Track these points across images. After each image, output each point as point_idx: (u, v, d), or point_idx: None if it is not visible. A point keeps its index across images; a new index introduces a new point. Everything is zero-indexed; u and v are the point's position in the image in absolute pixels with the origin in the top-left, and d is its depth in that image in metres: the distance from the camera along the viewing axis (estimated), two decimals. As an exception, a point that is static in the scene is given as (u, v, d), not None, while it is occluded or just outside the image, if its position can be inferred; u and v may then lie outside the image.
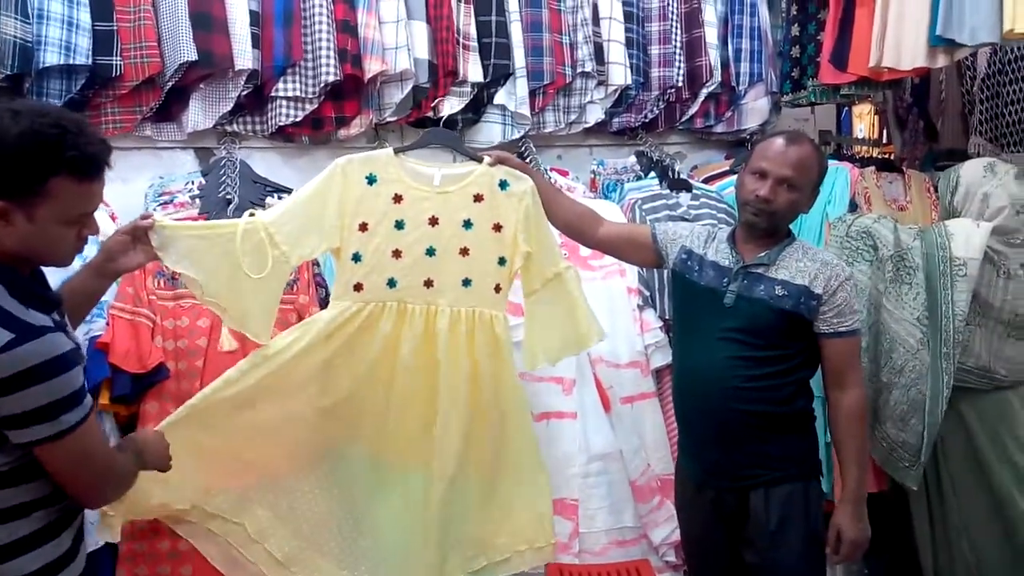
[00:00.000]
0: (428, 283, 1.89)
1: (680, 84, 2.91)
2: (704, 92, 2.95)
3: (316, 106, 2.39)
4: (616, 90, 2.80)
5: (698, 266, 1.88)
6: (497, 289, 1.92)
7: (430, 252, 1.89)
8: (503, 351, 1.92)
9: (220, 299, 1.72)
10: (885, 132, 3.89)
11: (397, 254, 1.88)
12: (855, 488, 1.80)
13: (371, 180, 1.88)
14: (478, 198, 1.90)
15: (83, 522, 1.41)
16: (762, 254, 1.82)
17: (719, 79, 2.95)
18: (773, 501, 1.82)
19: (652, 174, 2.73)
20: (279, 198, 2.35)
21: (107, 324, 1.95)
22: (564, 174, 2.74)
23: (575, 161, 2.91)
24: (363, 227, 1.86)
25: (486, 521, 1.93)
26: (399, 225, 1.88)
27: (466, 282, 1.90)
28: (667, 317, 2.43)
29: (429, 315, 1.88)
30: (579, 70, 2.70)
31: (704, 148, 3.16)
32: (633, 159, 2.86)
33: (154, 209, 2.23)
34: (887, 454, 2.32)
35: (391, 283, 1.88)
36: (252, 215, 1.75)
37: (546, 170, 2.61)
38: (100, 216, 2.07)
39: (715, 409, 1.82)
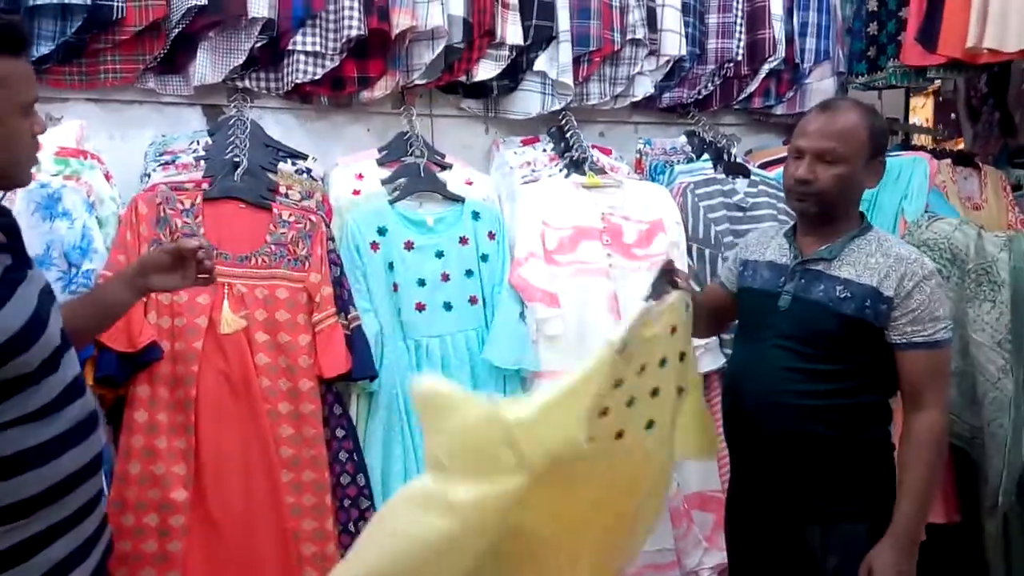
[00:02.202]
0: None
1: (740, 58, 2.66)
2: (765, 68, 2.70)
3: (337, 64, 2.16)
4: (669, 61, 2.55)
5: (752, 271, 1.68)
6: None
7: None
8: None
9: None
10: (942, 123, 3.61)
11: None
12: (904, 524, 1.49)
13: None
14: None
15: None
16: (823, 248, 1.57)
17: (783, 55, 2.69)
18: (831, 541, 1.56)
19: (705, 156, 2.48)
20: (292, 164, 2.14)
21: (92, 296, 1.73)
22: (607, 152, 2.50)
23: (619, 139, 2.67)
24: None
25: None
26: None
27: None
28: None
29: None
30: (629, 36, 2.45)
31: (761, 131, 2.90)
32: (683, 139, 2.61)
33: (154, 170, 2.01)
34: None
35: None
36: None
37: (587, 147, 2.36)
38: (94, 175, 1.91)
39: (763, 427, 1.60)
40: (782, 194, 2.36)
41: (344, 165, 2.20)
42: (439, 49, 2.23)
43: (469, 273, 2.12)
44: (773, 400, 1.56)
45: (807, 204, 1.56)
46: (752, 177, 2.41)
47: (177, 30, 2.02)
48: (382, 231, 2.05)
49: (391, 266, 2.05)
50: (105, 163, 1.97)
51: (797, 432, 1.55)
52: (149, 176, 2.00)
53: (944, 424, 1.54)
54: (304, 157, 2.18)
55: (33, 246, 1.74)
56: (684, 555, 2.17)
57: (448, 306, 2.08)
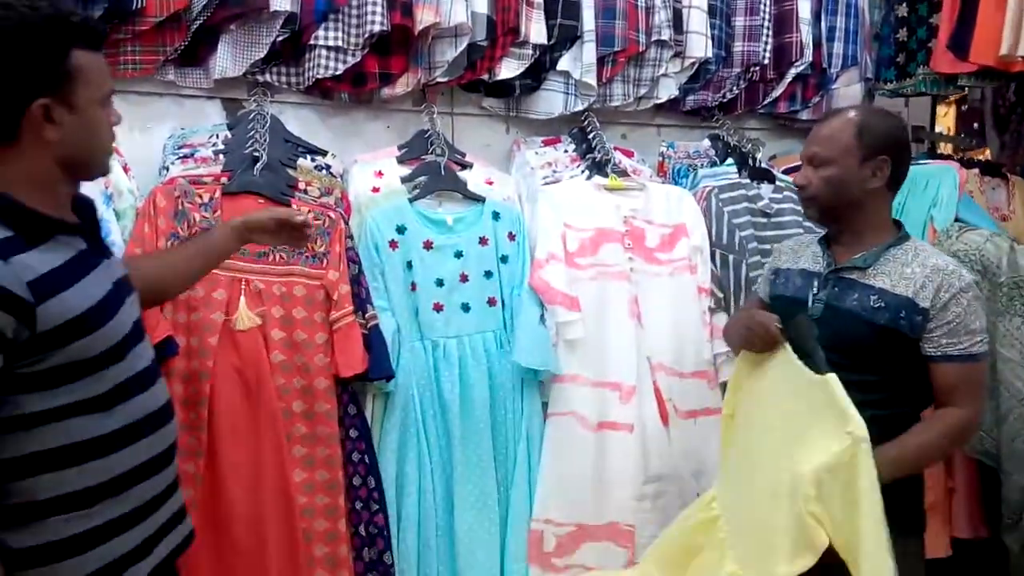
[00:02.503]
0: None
1: (766, 62, 2.61)
2: (792, 73, 2.65)
3: (359, 59, 2.13)
4: (694, 63, 2.51)
5: (785, 279, 1.65)
6: None
7: None
8: None
9: None
10: (964, 132, 3.54)
11: None
12: (887, 455, 1.38)
13: None
14: None
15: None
16: (858, 256, 1.53)
17: (809, 59, 2.65)
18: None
19: (729, 160, 2.43)
20: (312, 160, 2.11)
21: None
22: (629, 155, 2.46)
23: (641, 141, 2.62)
24: None
25: None
26: None
27: None
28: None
29: None
30: (654, 38, 2.42)
31: (785, 136, 2.85)
32: (707, 143, 2.57)
33: (172, 163, 1.99)
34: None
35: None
36: None
37: (609, 149, 2.32)
38: (113, 167, 1.88)
39: None
40: (808, 200, 2.34)
41: (364, 162, 2.17)
42: (462, 47, 2.19)
43: (488, 274, 2.08)
44: None
45: (808, 209, 1.60)
46: (777, 183, 2.37)
47: (198, 22, 2.00)
48: (401, 229, 2.02)
49: (409, 265, 2.02)
50: (124, 155, 1.94)
51: None
52: (168, 169, 1.97)
53: (968, 424, 1.49)
54: (324, 153, 2.15)
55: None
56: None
57: (466, 307, 2.05)
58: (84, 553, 1.09)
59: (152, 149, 2.06)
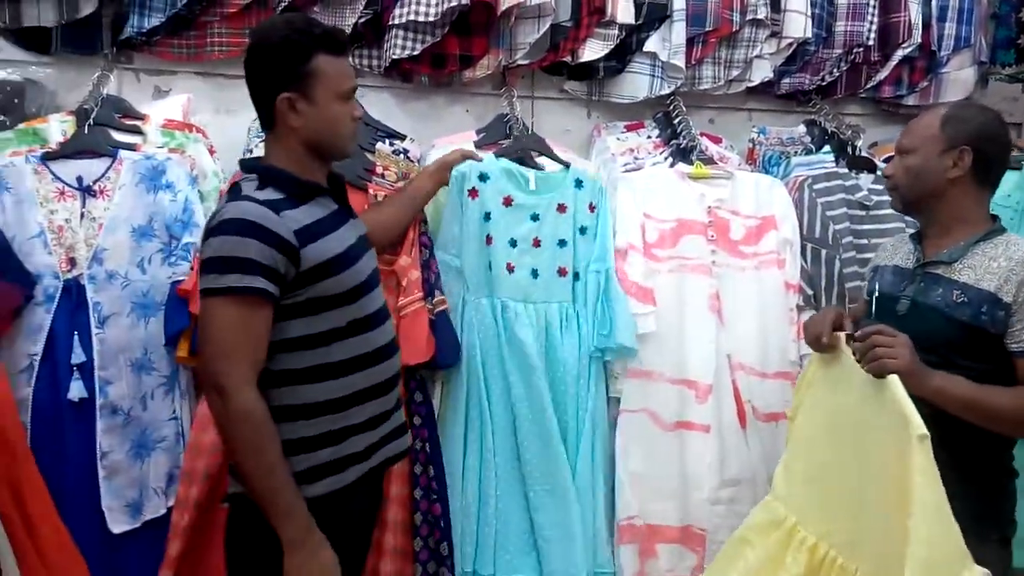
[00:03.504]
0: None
1: (870, 43, 2.44)
2: (899, 55, 2.47)
3: (438, 39, 2.10)
4: (791, 44, 2.37)
5: (881, 275, 1.60)
6: None
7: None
8: None
9: None
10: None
11: None
12: (941, 383, 1.35)
13: None
14: None
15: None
16: (945, 251, 1.46)
17: (918, 40, 2.46)
18: None
19: (826, 148, 2.29)
20: (390, 144, 2.10)
21: (191, 268, 1.75)
22: (716, 141, 2.34)
23: (731, 126, 2.50)
24: None
25: None
26: None
27: None
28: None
29: None
30: (749, 17, 2.29)
31: (889, 122, 2.65)
32: (802, 129, 2.42)
33: (257, 146, 2.01)
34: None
35: None
36: None
37: (695, 135, 2.22)
38: (198, 149, 1.93)
39: None
40: (911, 192, 2.18)
41: (441, 146, 2.15)
42: (545, 27, 2.14)
43: (563, 243, 2.00)
44: None
45: (892, 200, 1.60)
46: (878, 172, 2.20)
47: (283, 4, 2.01)
48: (484, 177, 1.97)
49: (488, 217, 1.97)
50: (209, 137, 1.99)
51: None
52: (252, 152, 1.99)
53: None
54: (402, 137, 2.13)
55: (136, 217, 1.78)
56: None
57: (535, 273, 1.98)
58: (318, 451, 1.32)
59: (238, 131, 2.09)
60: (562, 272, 1.99)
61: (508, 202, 1.97)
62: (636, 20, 2.20)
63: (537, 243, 1.98)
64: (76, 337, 1.70)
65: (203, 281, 1.26)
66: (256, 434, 1.23)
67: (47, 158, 1.77)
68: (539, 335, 1.96)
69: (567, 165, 2.05)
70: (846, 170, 2.19)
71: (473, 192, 1.96)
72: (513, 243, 1.97)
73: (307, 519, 1.26)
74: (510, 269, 1.96)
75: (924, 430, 1.23)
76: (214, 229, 1.27)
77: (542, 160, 2.08)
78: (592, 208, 2.03)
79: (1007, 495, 1.49)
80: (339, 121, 1.38)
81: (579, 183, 2.02)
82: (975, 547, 1.30)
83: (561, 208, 2.00)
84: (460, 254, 1.96)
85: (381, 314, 1.44)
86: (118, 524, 1.72)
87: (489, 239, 1.96)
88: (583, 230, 2.02)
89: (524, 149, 2.06)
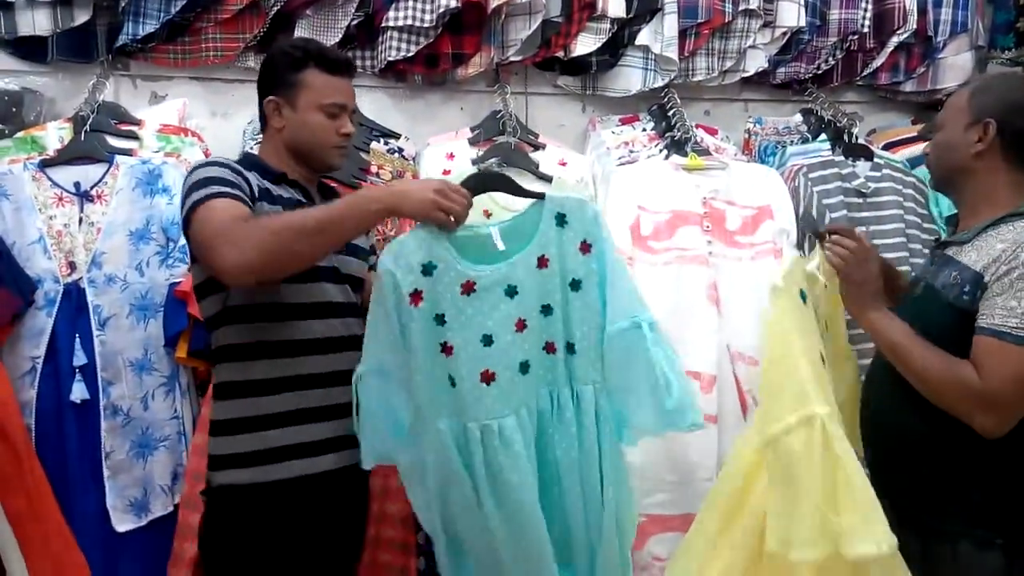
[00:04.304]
0: None
1: (865, 30, 2.43)
2: (894, 41, 2.46)
3: (432, 40, 2.12)
4: (785, 33, 2.36)
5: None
6: None
7: None
8: None
9: None
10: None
11: None
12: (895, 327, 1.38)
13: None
14: None
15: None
16: (961, 232, 1.42)
17: (913, 26, 2.45)
18: (933, 561, 1.37)
19: (822, 136, 2.28)
20: (385, 143, 2.11)
21: (188, 270, 1.77)
22: (713, 132, 2.34)
23: (726, 118, 2.50)
24: None
25: None
26: None
27: None
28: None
29: None
30: (742, 7, 2.29)
31: (886, 109, 2.65)
32: (798, 118, 2.41)
33: (251, 148, 2.03)
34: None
35: None
36: None
37: (690, 127, 2.21)
38: (194, 152, 1.95)
39: (869, 420, 1.51)
40: (909, 179, 2.19)
41: (436, 144, 2.16)
42: (536, 23, 2.15)
43: (546, 311, 1.41)
44: (879, 391, 1.47)
45: (929, 179, 1.58)
46: (875, 160, 2.19)
47: (276, 8, 2.03)
48: (428, 269, 1.35)
49: (440, 320, 1.36)
50: (205, 140, 2.01)
51: (895, 424, 1.42)
52: (246, 154, 2.02)
53: (973, 394, 1.27)
54: (396, 136, 2.15)
55: (133, 221, 1.81)
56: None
57: (525, 368, 1.40)
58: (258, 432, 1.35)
59: (233, 134, 2.12)
60: (549, 349, 1.41)
61: (469, 288, 1.36)
62: (627, 13, 2.21)
63: (522, 326, 1.39)
64: (77, 339, 1.73)
65: (184, 207, 1.28)
66: (273, 232, 1.21)
67: (45, 165, 1.80)
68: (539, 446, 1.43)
69: (541, 196, 1.44)
70: (842, 158, 2.18)
71: (416, 297, 1.33)
72: (487, 341, 1.37)
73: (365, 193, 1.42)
74: (487, 379, 1.37)
75: (780, 281, 1.35)
76: (188, 175, 1.34)
77: (506, 200, 1.62)
78: (586, 248, 1.42)
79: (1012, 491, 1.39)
80: (319, 131, 1.43)
81: (560, 219, 1.41)
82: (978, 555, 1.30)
83: (542, 262, 1.40)
84: (400, 381, 1.37)
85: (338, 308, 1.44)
86: (122, 523, 1.74)
87: (448, 349, 1.35)
88: (575, 284, 1.42)
89: (502, 163, 1.89)
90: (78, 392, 1.71)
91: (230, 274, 1.23)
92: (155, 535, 1.76)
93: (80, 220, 1.79)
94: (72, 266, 1.77)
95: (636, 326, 1.39)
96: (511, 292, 1.39)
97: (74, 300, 1.75)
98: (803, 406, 1.32)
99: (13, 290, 1.69)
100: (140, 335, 1.77)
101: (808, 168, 2.14)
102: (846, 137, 2.25)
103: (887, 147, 2.37)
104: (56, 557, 1.61)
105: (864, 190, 2.14)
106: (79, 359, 1.72)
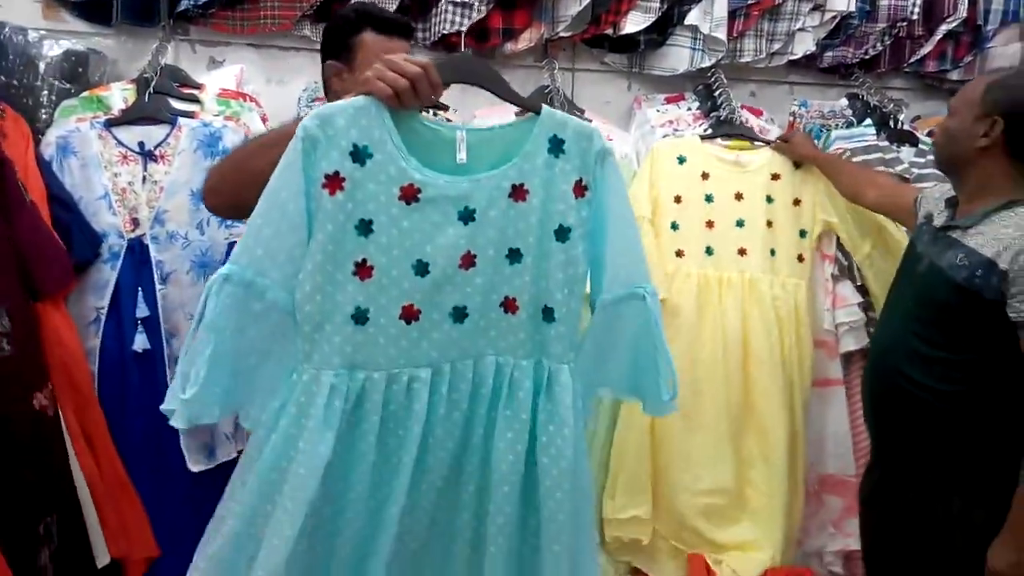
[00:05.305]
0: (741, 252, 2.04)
1: (915, 17, 2.42)
2: (943, 29, 2.45)
3: (484, 14, 2.14)
4: (835, 17, 2.36)
5: (921, 231, 1.61)
6: (800, 259, 2.06)
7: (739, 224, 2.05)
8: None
9: None
10: None
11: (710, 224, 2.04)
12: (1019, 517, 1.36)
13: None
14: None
15: None
16: (964, 216, 1.49)
17: (963, 15, 2.43)
18: (927, 520, 1.50)
19: (868, 121, 2.28)
20: (433, 114, 2.14)
21: (246, 230, 1.83)
22: (757, 114, 2.36)
23: (772, 100, 2.50)
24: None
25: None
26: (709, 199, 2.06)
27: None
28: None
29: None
30: (792, -11, 2.28)
31: (931, 97, 2.64)
32: (844, 102, 2.42)
33: (305, 114, 2.08)
34: None
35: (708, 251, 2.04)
36: None
37: (736, 107, 2.23)
38: (252, 117, 2.00)
39: (874, 388, 1.63)
40: (953, 165, 2.18)
41: (482, 118, 2.19)
42: (587, 0, 2.17)
43: (514, 255, 1.11)
44: (885, 361, 1.57)
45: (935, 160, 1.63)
46: (920, 146, 2.20)
47: (333, -23, 2.07)
48: (361, 155, 1.04)
49: (366, 227, 1.05)
50: (262, 106, 2.06)
51: (903, 389, 1.51)
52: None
53: None
54: (444, 108, 2.18)
55: (195, 181, 1.86)
56: (808, 535, 2.07)
57: (460, 314, 1.11)
58: None
59: (288, 101, 2.17)
60: (508, 307, 1.12)
61: (411, 195, 1.06)
62: (678, -7, 2.22)
63: (469, 262, 1.10)
64: (140, 293, 1.79)
65: None
66: (229, 156, 1.36)
67: (110, 124, 1.86)
68: (457, 424, 1.10)
69: (537, 111, 1.11)
70: (887, 143, 2.19)
71: (334, 182, 1.02)
72: (421, 269, 1.07)
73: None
74: (408, 317, 1.07)
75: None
76: None
77: (491, 113, 1.47)
78: (581, 189, 1.11)
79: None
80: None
81: (556, 146, 1.10)
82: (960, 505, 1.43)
83: (518, 193, 1.10)
84: (292, 286, 1.03)
85: None
86: (196, 464, 1.81)
87: (366, 270, 1.05)
88: (562, 233, 1.11)
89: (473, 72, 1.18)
90: (139, 343, 1.78)
91: (205, 204, 1.38)
92: (224, 477, 1.82)
93: (144, 179, 1.85)
94: (136, 222, 1.83)
95: (637, 296, 1.11)
96: (466, 217, 1.07)
97: (137, 255, 1.81)
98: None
99: (80, 241, 1.76)
100: (200, 290, 1.81)
101: (851, 152, 2.15)
102: (891, 123, 2.26)
103: (932, 133, 2.37)
104: (116, 497, 1.69)
105: (907, 175, 2.15)
106: (141, 311, 1.79)
